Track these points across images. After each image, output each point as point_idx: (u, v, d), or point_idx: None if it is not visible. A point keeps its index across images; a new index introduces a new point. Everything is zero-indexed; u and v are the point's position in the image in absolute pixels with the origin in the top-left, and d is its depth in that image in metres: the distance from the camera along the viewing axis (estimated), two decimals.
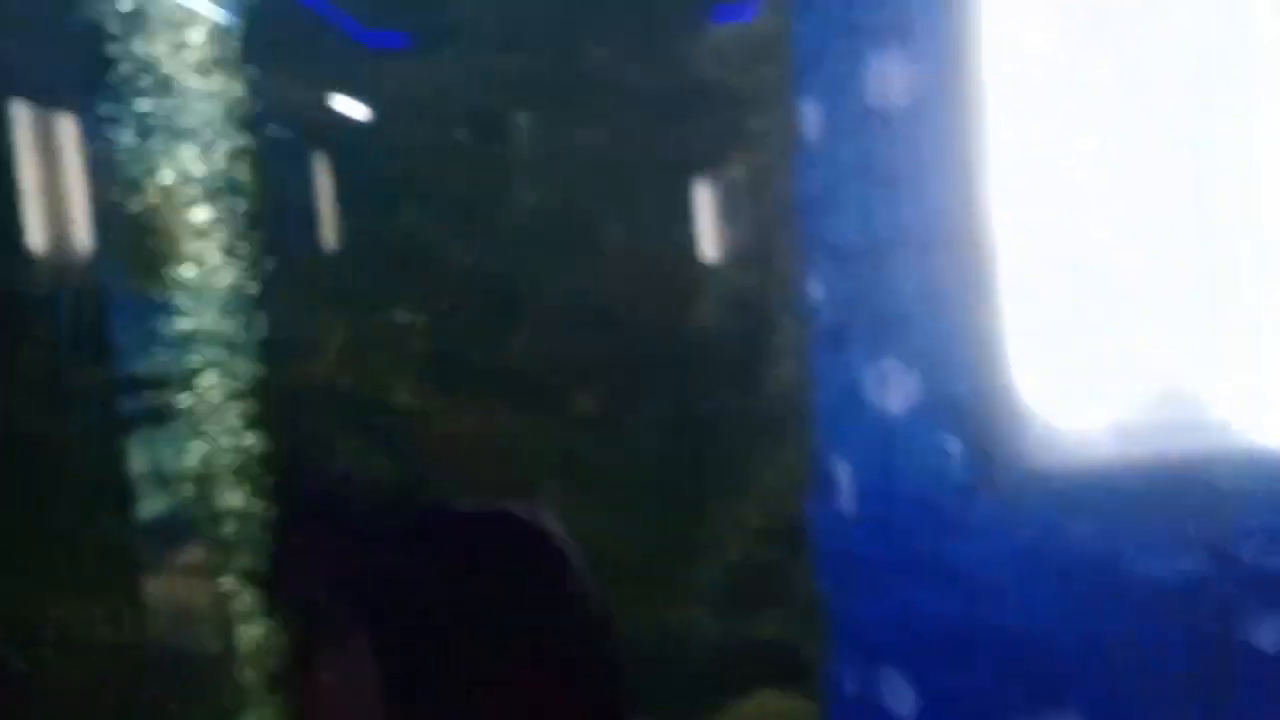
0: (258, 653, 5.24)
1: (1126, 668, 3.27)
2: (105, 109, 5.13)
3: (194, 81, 5.33)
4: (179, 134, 5.33)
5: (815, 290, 3.83)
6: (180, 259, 5.34)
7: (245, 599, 5.31)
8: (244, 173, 5.36)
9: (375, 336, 5.71)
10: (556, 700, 1.05)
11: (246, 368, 5.42)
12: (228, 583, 5.32)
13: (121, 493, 5.19)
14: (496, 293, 5.68)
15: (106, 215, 5.29)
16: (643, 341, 5.66)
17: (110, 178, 5.25)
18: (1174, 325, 3.27)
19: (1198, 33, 3.17)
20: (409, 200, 5.69)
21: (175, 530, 5.31)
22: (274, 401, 5.45)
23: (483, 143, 5.67)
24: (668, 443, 5.64)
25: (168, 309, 5.28)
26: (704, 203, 5.72)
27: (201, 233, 5.37)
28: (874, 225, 3.43)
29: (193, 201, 5.35)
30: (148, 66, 5.21)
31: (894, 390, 3.44)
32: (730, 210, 5.71)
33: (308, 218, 5.71)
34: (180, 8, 5.24)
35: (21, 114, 5.20)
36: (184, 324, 5.33)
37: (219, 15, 5.33)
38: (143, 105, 5.21)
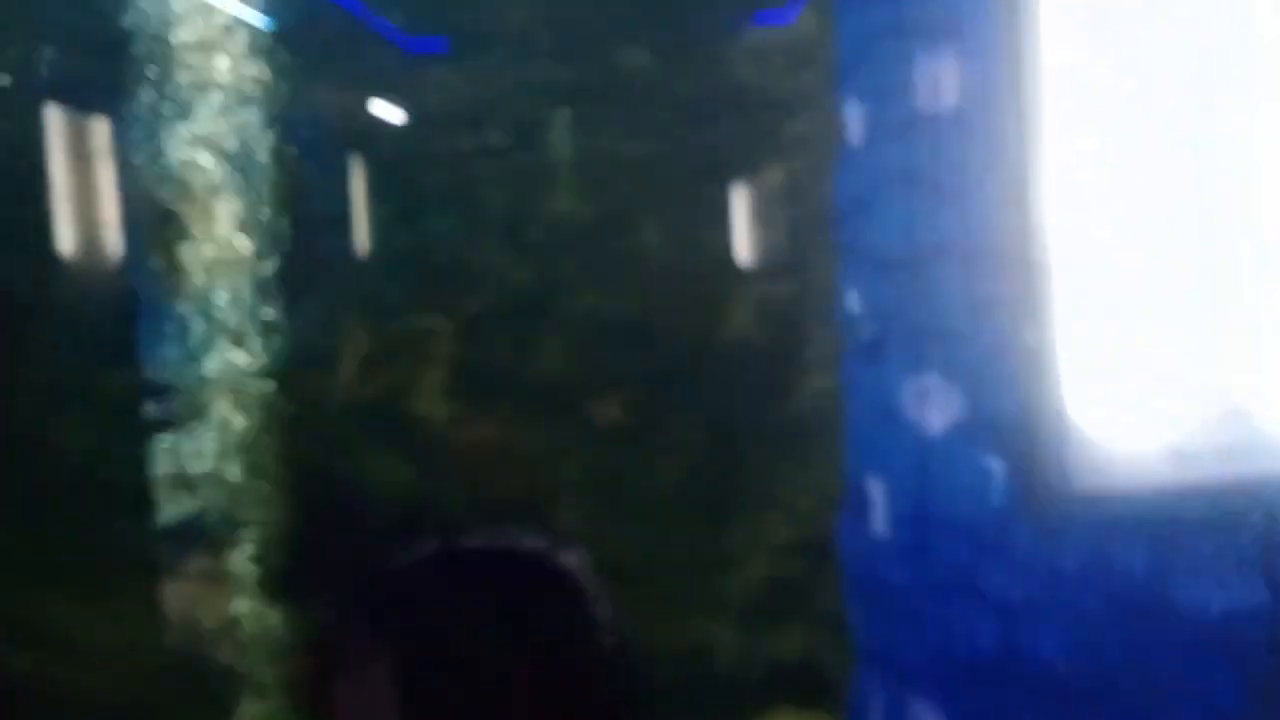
0: (267, 660, 5.18)
1: (1170, 703, 3.12)
2: (138, 113, 5.15)
3: (228, 86, 5.30)
4: (211, 138, 5.30)
5: (852, 300, 3.70)
6: (207, 264, 5.31)
7: (258, 607, 5.27)
8: (275, 177, 5.33)
9: (402, 344, 5.64)
10: None
11: (270, 375, 5.39)
12: (242, 590, 5.28)
13: (139, 498, 5.17)
14: (526, 301, 5.62)
15: (134, 219, 5.31)
16: (673, 352, 5.58)
17: (139, 182, 5.26)
18: (1233, 344, 3.13)
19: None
20: (442, 207, 5.63)
21: (191, 536, 5.27)
22: (297, 409, 5.41)
23: (519, 149, 5.61)
24: (696, 455, 5.56)
25: (192, 314, 5.28)
26: (739, 210, 5.64)
27: (229, 237, 5.34)
28: (917, 233, 3.30)
29: (222, 205, 5.31)
30: (182, 71, 5.20)
31: (934, 407, 3.30)
32: (766, 217, 5.63)
33: (338, 223, 5.65)
34: (218, 11, 5.23)
35: (54, 117, 5.22)
36: (208, 329, 5.31)
37: (257, 19, 5.29)
38: (175, 109, 5.22)
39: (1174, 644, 3.12)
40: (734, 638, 5.56)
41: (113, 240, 5.33)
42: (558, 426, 5.57)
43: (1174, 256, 3.13)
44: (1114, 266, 3.16)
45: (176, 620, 5.17)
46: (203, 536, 5.24)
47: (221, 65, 5.28)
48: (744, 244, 5.63)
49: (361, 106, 5.60)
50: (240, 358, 5.36)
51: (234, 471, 5.31)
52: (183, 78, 5.22)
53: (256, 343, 5.38)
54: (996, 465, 3.20)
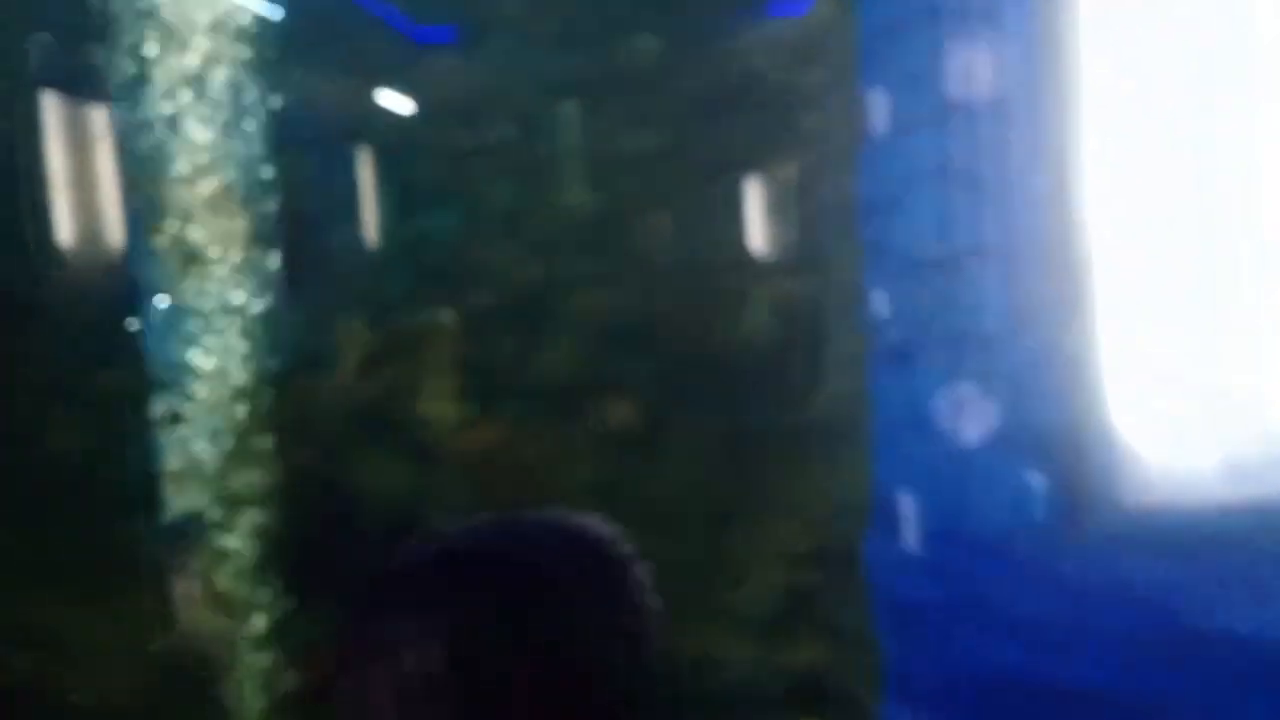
0: (267, 660, 5.14)
1: None
2: (137, 105, 5.09)
3: (230, 74, 5.23)
4: (211, 129, 5.23)
5: (879, 302, 3.53)
6: (205, 258, 5.24)
7: (257, 606, 5.22)
8: (277, 170, 5.26)
9: (404, 342, 5.54)
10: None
11: (270, 373, 5.30)
12: (241, 589, 5.24)
13: (138, 498, 5.11)
14: (532, 299, 5.51)
15: (132, 213, 5.24)
16: (685, 351, 5.46)
17: (139, 176, 5.19)
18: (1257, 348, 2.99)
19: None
20: (445, 202, 5.54)
21: (190, 536, 5.22)
22: (298, 409, 5.31)
23: (526, 141, 5.51)
24: (711, 460, 5.43)
25: (190, 310, 5.21)
26: (753, 205, 5.51)
27: (228, 231, 5.27)
28: (951, 231, 3.11)
29: (221, 198, 5.25)
30: (184, 58, 5.14)
31: (969, 417, 3.13)
32: (782, 213, 5.49)
33: (340, 216, 5.57)
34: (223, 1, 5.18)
35: (50, 106, 5.16)
36: (206, 325, 5.24)
37: (261, 6, 5.21)
38: (174, 101, 5.15)
39: (1226, 671, 2.96)
40: (746, 647, 5.43)
41: (110, 234, 5.31)
42: (566, 429, 5.46)
43: (1211, 260, 3.02)
44: (1150, 269, 3.03)
45: (175, 620, 5.16)
46: (202, 536, 5.21)
47: (224, 53, 5.20)
48: (757, 240, 5.51)
49: (367, 96, 5.51)
50: (239, 355, 5.29)
51: (233, 471, 5.25)
52: (184, 66, 5.15)
53: (255, 340, 5.31)
54: (1037, 480, 3.04)
